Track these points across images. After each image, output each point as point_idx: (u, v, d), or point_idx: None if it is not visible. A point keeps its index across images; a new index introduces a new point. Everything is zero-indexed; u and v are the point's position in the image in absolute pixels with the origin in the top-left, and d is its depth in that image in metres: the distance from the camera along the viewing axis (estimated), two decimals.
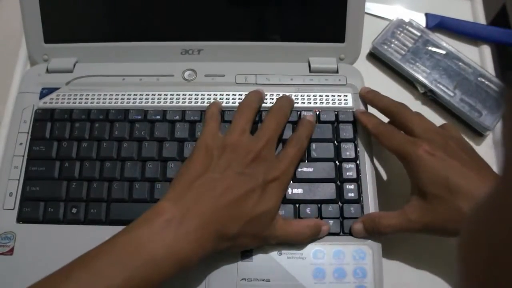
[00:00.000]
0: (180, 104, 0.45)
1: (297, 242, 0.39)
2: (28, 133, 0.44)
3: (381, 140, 0.41)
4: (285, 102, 0.43)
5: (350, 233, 0.40)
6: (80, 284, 0.31)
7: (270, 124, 0.41)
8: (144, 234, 0.33)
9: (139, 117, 0.44)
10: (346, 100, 0.45)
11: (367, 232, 0.39)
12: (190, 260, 0.34)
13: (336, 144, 0.43)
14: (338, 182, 0.42)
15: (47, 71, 0.47)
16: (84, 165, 0.42)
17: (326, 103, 0.45)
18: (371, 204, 0.41)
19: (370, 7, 0.55)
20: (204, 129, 0.41)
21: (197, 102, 0.45)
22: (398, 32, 0.53)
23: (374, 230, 0.39)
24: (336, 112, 0.44)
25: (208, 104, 0.44)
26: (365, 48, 0.52)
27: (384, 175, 0.47)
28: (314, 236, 0.39)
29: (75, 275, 0.31)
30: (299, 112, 0.44)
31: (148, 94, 0.45)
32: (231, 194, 0.36)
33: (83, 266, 0.32)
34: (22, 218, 0.41)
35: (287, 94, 0.45)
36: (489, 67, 0.52)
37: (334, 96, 0.45)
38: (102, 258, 0.32)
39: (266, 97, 0.45)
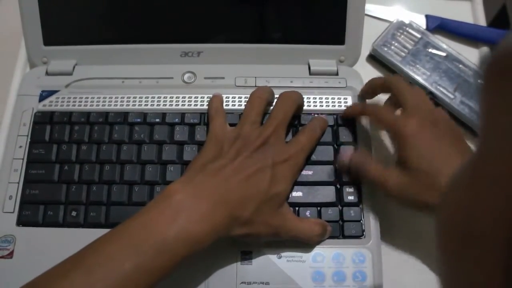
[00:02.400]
0: (180, 106, 0.45)
1: (307, 239, 0.39)
2: (27, 136, 0.44)
3: (371, 118, 0.43)
4: (292, 93, 0.43)
5: (350, 236, 0.40)
6: (90, 269, 0.31)
7: (277, 112, 0.41)
8: (155, 216, 0.33)
9: (139, 120, 0.44)
10: (346, 102, 0.45)
11: (350, 167, 0.40)
12: (202, 241, 0.33)
13: (336, 147, 0.43)
14: (337, 185, 0.42)
15: (47, 73, 0.47)
16: (83, 168, 0.42)
17: (326, 105, 0.45)
18: (371, 207, 0.41)
19: (370, 9, 0.55)
20: (212, 124, 0.42)
21: (196, 105, 0.45)
22: (398, 34, 0.53)
23: (356, 168, 0.40)
24: (335, 116, 0.44)
25: (207, 104, 0.44)
26: (365, 50, 0.52)
27: None
28: (322, 236, 0.39)
29: (85, 261, 0.31)
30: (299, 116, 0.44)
31: (147, 97, 0.45)
32: (242, 173, 0.36)
33: (94, 251, 0.32)
34: (22, 221, 0.41)
35: None
36: None
37: (334, 99, 0.45)
38: (113, 242, 0.32)
39: None
